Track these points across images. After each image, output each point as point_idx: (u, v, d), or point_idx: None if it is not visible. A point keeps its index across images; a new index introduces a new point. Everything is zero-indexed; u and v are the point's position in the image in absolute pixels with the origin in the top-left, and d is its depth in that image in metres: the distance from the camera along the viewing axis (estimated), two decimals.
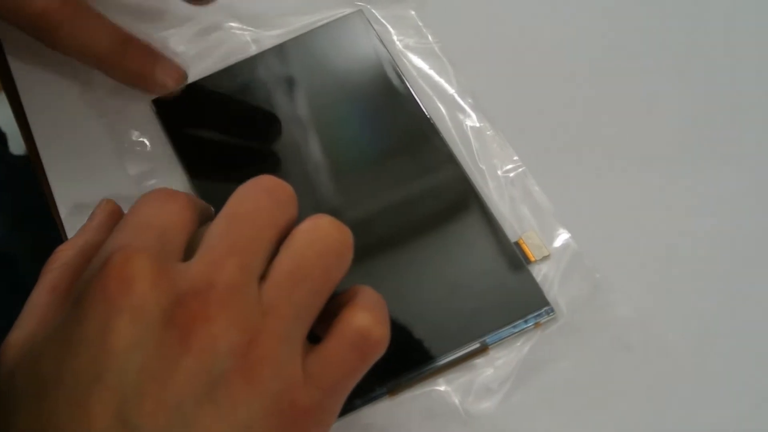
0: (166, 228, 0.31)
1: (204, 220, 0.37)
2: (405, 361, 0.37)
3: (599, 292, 0.39)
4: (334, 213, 0.42)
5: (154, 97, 0.45)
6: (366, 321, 0.31)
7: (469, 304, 0.39)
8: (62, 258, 0.34)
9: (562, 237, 0.40)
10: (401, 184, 0.42)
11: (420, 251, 0.40)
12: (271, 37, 0.47)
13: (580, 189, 0.42)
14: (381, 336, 0.31)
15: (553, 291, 0.39)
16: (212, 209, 0.39)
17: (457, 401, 0.37)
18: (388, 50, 0.45)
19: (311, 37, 0.46)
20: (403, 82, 0.44)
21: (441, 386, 0.38)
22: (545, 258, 0.40)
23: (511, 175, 0.42)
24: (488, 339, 0.38)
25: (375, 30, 0.46)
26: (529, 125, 0.43)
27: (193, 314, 0.28)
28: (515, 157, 0.42)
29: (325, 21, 0.47)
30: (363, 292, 0.32)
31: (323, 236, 0.31)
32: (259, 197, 0.31)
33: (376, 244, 0.41)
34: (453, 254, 0.40)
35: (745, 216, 0.41)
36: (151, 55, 0.43)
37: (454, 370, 0.38)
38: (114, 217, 0.36)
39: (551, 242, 0.40)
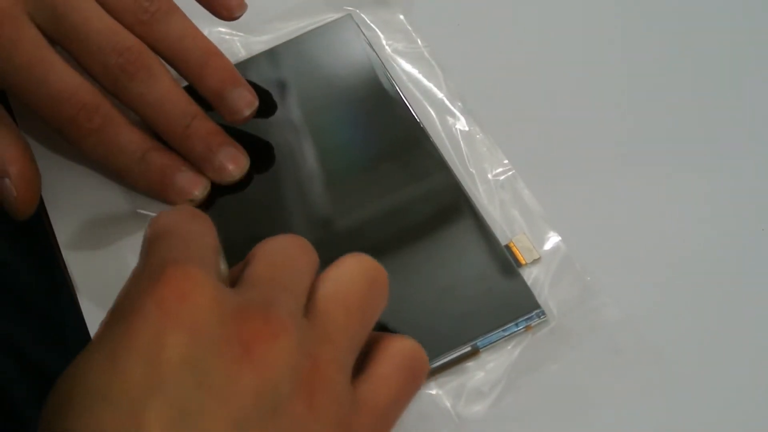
0: (205, 246, 0.30)
1: None
2: None
3: (590, 294, 0.39)
4: (326, 217, 0.42)
5: None
6: (412, 344, 0.31)
7: (460, 307, 0.39)
8: None
9: (553, 240, 0.40)
10: (392, 189, 0.42)
11: (411, 255, 0.40)
12: (260, 42, 0.47)
13: (570, 192, 0.42)
14: (426, 359, 0.31)
15: (543, 294, 0.39)
16: None
17: (448, 405, 0.37)
18: (377, 55, 0.45)
19: (301, 42, 0.46)
20: (393, 86, 0.44)
21: (432, 390, 0.38)
22: (536, 261, 0.40)
23: (501, 178, 0.42)
24: (479, 342, 0.38)
25: (364, 34, 0.46)
26: (519, 129, 0.44)
27: (258, 330, 0.28)
28: (505, 161, 0.42)
29: (313, 26, 0.47)
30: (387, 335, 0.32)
31: (368, 269, 0.32)
32: (289, 246, 0.32)
33: (368, 248, 0.41)
34: (444, 258, 0.40)
35: (736, 219, 0.41)
36: (173, 160, 0.41)
37: (446, 374, 0.38)
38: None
39: (541, 245, 0.40)
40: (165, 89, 0.41)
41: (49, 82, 0.40)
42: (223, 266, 0.32)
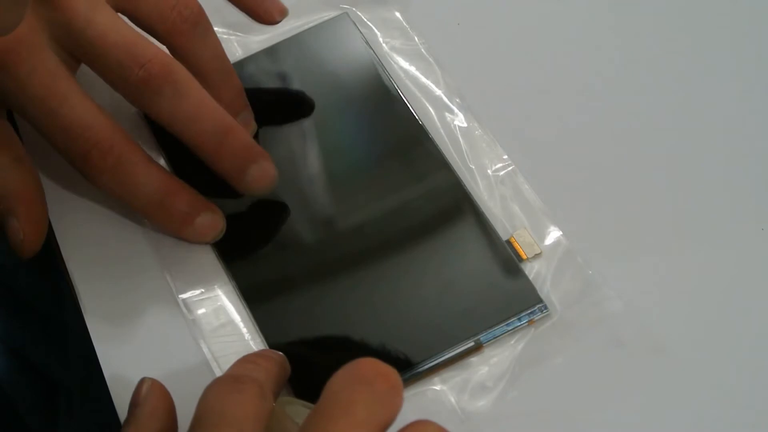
0: (241, 424, 0.30)
1: (283, 380, 0.36)
2: (400, 361, 0.37)
3: (592, 288, 0.39)
4: (325, 215, 0.42)
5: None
6: None
7: (462, 303, 0.39)
8: None
9: (554, 234, 0.40)
10: (392, 186, 0.42)
11: (412, 252, 0.40)
12: (258, 41, 0.47)
13: (571, 186, 0.42)
14: None
15: (545, 288, 0.39)
16: (288, 366, 0.37)
17: (453, 400, 0.37)
18: (375, 52, 0.45)
19: (298, 40, 0.46)
20: (391, 84, 0.44)
21: (436, 385, 0.38)
22: (537, 256, 0.40)
23: (501, 173, 0.42)
24: (482, 337, 0.38)
25: (361, 32, 0.46)
26: (518, 124, 0.44)
27: None
28: (504, 156, 0.43)
29: (310, 24, 0.47)
30: None
31: None
32: (356, 389, 0.28)
33: (369, 246, 0.41)
34: (445, 254, 0.40)
35: (738, 211, 0.41)
36: (194, 205, 0.40)
37: (449, 369, 0.38)
38: (165, 400, 0.34)
39: (543, 240, 0.40)
40: (195, 103, 0.39)
41: (62, 115, 0.38)
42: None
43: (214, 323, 0.40)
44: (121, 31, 0.39)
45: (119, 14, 0.40)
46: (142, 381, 0.35)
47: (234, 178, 0.40)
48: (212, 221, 0.41)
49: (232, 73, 0.42)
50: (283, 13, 0.43)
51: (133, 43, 0.38)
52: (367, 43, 0.46)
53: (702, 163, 0.42)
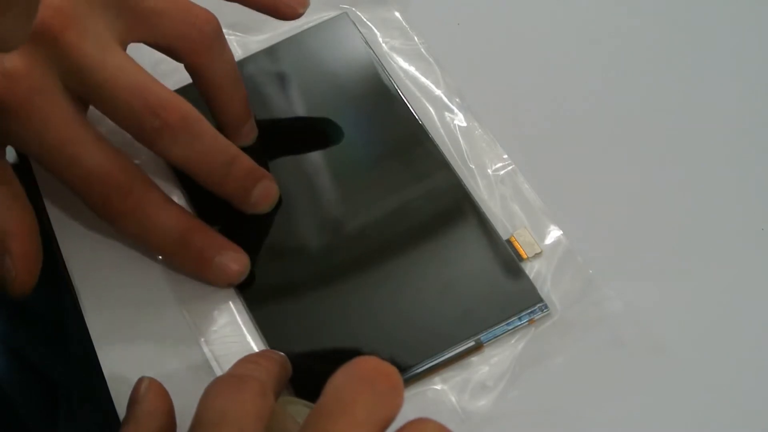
0: (242, 422, 0.30)
1: (284, 380, 0.36)
2: (401, 360, 0.37)
3: (592, 287, 0.39)
4: (325, 215, 0.42)
5: None
6: None
7: (462, 302, 0.39)
8: None
9: (554, 234, 0.40)
10: (392, 186, 0.42)
11: (413, 252, 0.40)
12: (257, 41, 0.47)
13: (571, 185, 0.42)
14: None
15: (546, 288, 0.39)
16: (290, 367, 0.37)
17: (453, 399, 0.37)
18: (374, 52, 0.45)
19: (298, 40, 0.46)
20: (391, 83, 0.44)
21: (437, 385, 0.38)
22: (537, 255, 0.40)
23: (501, 173, 0.42)
24: (483, 337, 0.38)
25: (361, 32, 0.46)
26: (518, 123, 0.44)
27: None
28: (504, 156, 0.43)
29: (310, 24, 0.47)
30: None
31: None
32: (357, 389, 0.28)
33: (369, 245, 0.41)
34: (446, 254, 0.40)
35: (738, 212, 0.41)
36: (212, 248, 0.40)
37: (450, 369, 0.38)
38: (163, 399, 0.34)
39: (543, 239, 0.40)
40: (207, 143, 0.39)
41: (79, 162, 0.37)
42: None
43: (214, 323, 0.40)
44: (131, 74, 0.38)
45: (139, 43, 0.39)
46: (141, 380, 0.35)
47: (239, 201, 0.41)
48: (232, 258, 0.40)
49: (241, 82, 0.42)
50: (304, 4, 0.42)
51: (144, 87, 0.37)
52: (366, 43, 0.46)
53: (702, 162, 0.42)
